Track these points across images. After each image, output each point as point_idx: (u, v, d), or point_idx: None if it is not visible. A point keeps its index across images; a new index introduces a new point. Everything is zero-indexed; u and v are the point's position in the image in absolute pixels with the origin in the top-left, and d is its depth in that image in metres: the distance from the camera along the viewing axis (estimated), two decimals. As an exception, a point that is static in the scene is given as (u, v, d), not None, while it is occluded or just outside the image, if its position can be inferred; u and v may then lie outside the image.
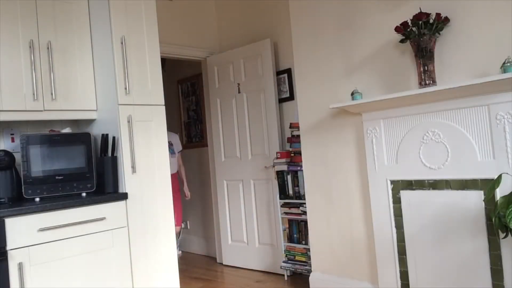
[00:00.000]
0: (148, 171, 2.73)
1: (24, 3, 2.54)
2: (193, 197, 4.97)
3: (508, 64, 2.15)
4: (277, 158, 3.75)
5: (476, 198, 2.37)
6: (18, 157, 2.52)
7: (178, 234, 4.45)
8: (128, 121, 2.66)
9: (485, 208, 2.34)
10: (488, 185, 2.21)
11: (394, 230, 2.72)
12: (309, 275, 3.39)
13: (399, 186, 2.70)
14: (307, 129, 3.30)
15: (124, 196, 2.59)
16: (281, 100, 3.95)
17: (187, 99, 5.12)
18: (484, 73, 2.34)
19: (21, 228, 2.19)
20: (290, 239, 3.72)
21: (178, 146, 4.23)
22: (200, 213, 4.94)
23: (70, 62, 2.71)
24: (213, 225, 4.58)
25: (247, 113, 4.11)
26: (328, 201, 3.19)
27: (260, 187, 4.02)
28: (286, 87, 3.91)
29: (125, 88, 2.67)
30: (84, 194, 2.57)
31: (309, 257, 3.46)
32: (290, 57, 3.73)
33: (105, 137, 2.66)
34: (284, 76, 3.91)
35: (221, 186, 4.35)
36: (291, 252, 3.66)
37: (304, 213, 3.47)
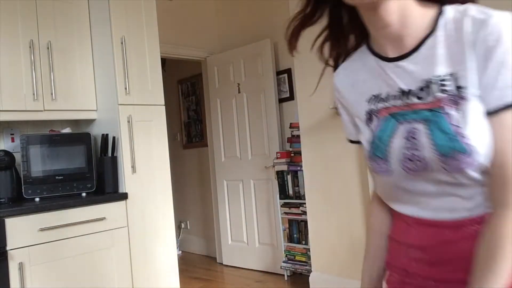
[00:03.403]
0: (148, 171, 2.73)
1: (24, 3, 2.53)
2: (193, 196, 4.98)
3: (508, 64, 2.14)
4: (277, 158, 3.74)
5: (476, 198, 2.36)
6: (18, 157, 2.52)
7: None
8: (128, 121, 2.66)
9: (485, 208, 2.33)
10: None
11: (394, 230, 2.72)
12: (309, 275, 3.39)
13: (399, 186, 2.69)
14: (307, 129, 3.30)
15: (124, 196, 2.59)
16: (281, 100, 3.95)
17: (187, 99, 5.12)
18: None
19: (21, 228, 2.19)
20: (290, 239, 3.71)
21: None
22: (200, 213, 4.94)
23: (70, 62, 2.71)
24: (213, 225, 4.58)
25: (247, 113, 4.10)
26: (328, 201, 3.19)
27: (260, 187, 4.02)
28: (286, 87, 3.91)
29: (125, 88, 2.67)
30: (84, 194, 2.57)
31: (309, 257, 3.45)
32: (290, 57, 3.71)
33: (105, 137, 2.66)
34: (284, 76, 3.91)
35: (221, 186, 4.34)
36: (291, 252, 3.66)
37: (304, 213, 3.47)
